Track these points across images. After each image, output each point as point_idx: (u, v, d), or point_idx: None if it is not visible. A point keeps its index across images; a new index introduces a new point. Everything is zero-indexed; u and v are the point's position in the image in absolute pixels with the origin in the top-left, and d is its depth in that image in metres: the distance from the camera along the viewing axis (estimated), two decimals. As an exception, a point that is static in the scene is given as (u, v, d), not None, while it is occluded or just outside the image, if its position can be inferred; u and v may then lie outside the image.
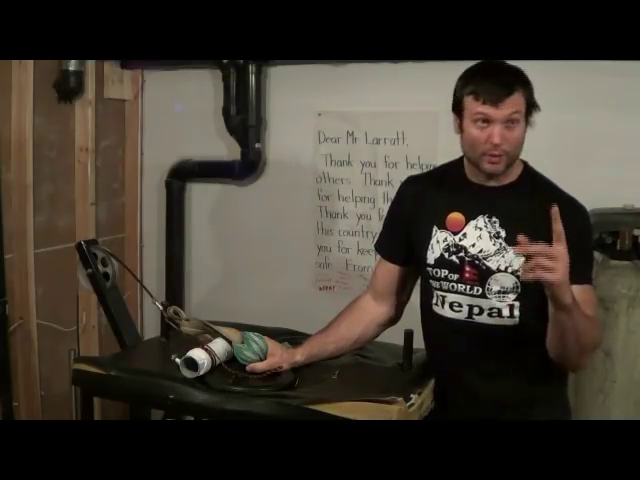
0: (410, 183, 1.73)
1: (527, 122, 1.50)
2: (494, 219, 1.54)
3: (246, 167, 2.79)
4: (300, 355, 1.67)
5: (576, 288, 1.44)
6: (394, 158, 2.60)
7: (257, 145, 2.74)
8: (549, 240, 1.36)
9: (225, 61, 2.69)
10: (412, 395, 1.53)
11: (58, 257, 2.66)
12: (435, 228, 1.60)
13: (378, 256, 1.78)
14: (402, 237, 1.68)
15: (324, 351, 1.70)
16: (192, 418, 1.88)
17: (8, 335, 2.47)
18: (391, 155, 2.60)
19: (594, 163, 2.25)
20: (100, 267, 2.09)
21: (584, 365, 1.61)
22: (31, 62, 2.46)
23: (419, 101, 2.40)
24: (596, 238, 2.11)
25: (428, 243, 1.60)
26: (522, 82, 1.48)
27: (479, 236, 1.54)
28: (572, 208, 1.54)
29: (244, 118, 2.71)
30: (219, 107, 2.77)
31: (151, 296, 2.03)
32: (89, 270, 2.06)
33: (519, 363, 1.57)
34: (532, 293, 1.51)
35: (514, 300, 1.53)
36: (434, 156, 2.48)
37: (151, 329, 2.77)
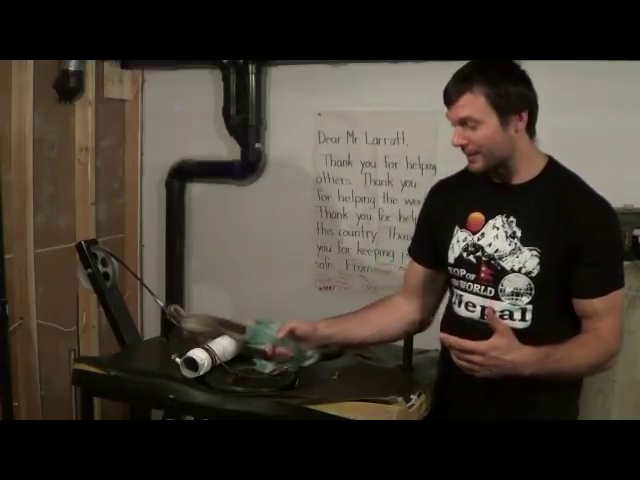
0: (439, 186, 1.74)
1: (504, 119, 1.46)
2: (511, 218, 1.53)
3: (246, 167, 2.79)
4: (321, 326, 1.68)
5: (596, 301, 1.45)
6: (394, 158, 2.60)
7: (257, 145, 2.74)
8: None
9: (225, 61, 2.69)
10: (412, 395, 1.53)
11: (58, 257, 2.65)
12: (457, 228, 1.61)
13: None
14: (430, 239, 1.69)
15: (344, 330, 1.70)
16: (192, 418, 1.88)
17: (8, 335, 2.47)
18: (391, 155, 2.60)
19: (594, 163, 2.23)
20: (100, 267, 2.09)
21: (606, 369, 1.60)
22: (31, 62, 2.45)
23: (419, 101, 2.40)
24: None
25: (449, 243, 1.61)
26: (480, 81, 1.44)
27: (496, 236, 1.54)
28: (594, 208, 1.50)
29: (244, 118, 2.71)
30: (219, 107, 2.77)
31: (151, 293, 2.04)
32: (89, 270, 2.07)
33: None
34: (546, 297, 1.50)
35: (527, 304, 1.51)
36: (434, 156, 2.48)
37: (151, 329, 2.77)
